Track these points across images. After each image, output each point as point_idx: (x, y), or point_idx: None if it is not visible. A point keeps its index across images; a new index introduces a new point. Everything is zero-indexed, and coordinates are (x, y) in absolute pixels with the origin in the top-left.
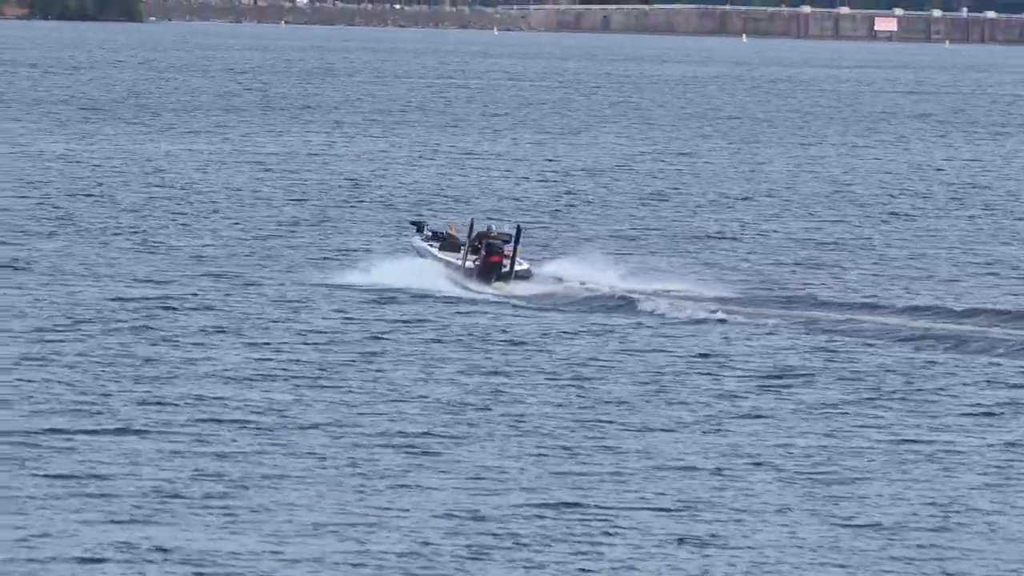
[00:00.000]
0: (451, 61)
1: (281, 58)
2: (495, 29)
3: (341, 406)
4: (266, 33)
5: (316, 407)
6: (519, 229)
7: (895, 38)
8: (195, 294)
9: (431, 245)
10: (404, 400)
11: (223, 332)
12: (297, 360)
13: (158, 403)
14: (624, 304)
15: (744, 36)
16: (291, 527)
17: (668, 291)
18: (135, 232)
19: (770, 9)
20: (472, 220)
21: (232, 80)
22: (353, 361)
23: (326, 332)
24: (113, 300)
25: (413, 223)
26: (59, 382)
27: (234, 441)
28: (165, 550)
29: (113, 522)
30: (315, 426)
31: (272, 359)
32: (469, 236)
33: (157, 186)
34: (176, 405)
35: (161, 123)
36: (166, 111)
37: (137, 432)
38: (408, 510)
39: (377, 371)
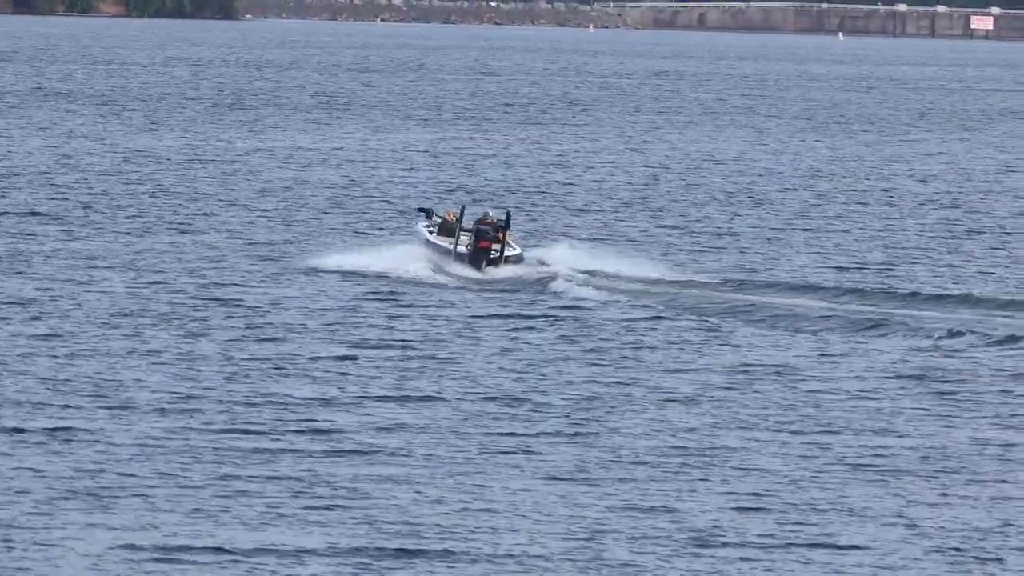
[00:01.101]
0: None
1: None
2: (591, 27)
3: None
4: (362, 30)
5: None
6: (508, 215)
7: (991, 36)
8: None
9: (430, 231)
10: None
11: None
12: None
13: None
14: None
15: (840, 34)
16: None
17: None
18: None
19: (867, 7)
20: (463, 206)
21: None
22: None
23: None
24: (173, 292)
25: (421, 209)
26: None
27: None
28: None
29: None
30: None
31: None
32: (459, 222)
33: (268, 179)
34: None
35: (279, 120)
36: (283, 108)
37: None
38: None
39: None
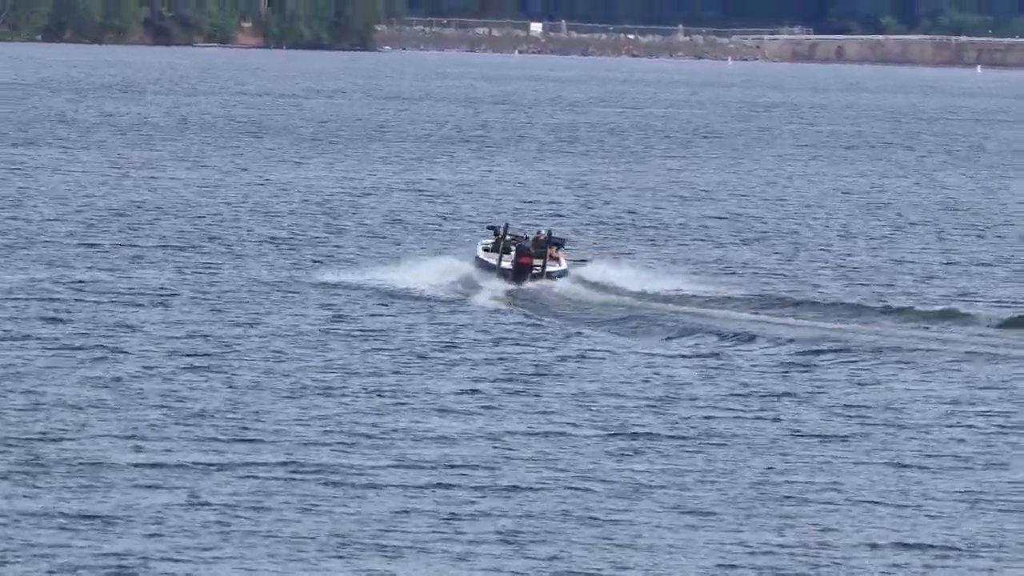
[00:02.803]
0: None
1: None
2: (729, 59)
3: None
4: (503, 62)
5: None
6: (549, 233)
7: None
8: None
9: (486, 249)
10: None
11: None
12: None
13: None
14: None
15: (979, 67)
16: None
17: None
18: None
19: (1007, 40)
20: (506, 223)
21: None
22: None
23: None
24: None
25: (491, 227)
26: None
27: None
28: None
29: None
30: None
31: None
32: (503, 239)
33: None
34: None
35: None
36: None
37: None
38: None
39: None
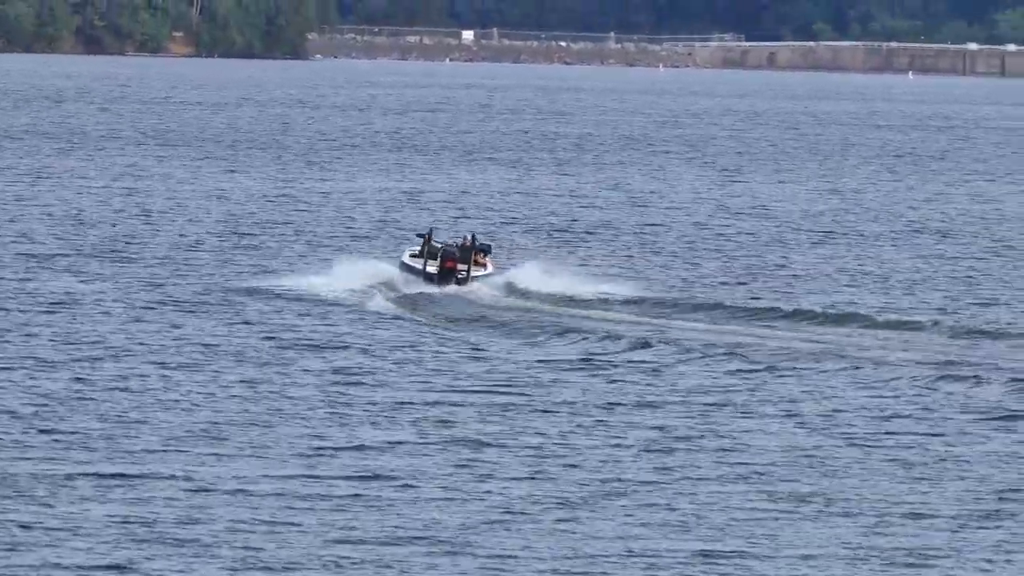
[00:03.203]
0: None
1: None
2: (660, 66)
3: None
4: (436, 70)
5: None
6: (474, 237)
7: None
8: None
9: (412, 254)
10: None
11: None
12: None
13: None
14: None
15: (910, 73)
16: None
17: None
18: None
19: (936, 46)
20: (431, 228)
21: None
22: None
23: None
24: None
25: (420, 235)
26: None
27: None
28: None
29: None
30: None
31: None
32: (426, 243)
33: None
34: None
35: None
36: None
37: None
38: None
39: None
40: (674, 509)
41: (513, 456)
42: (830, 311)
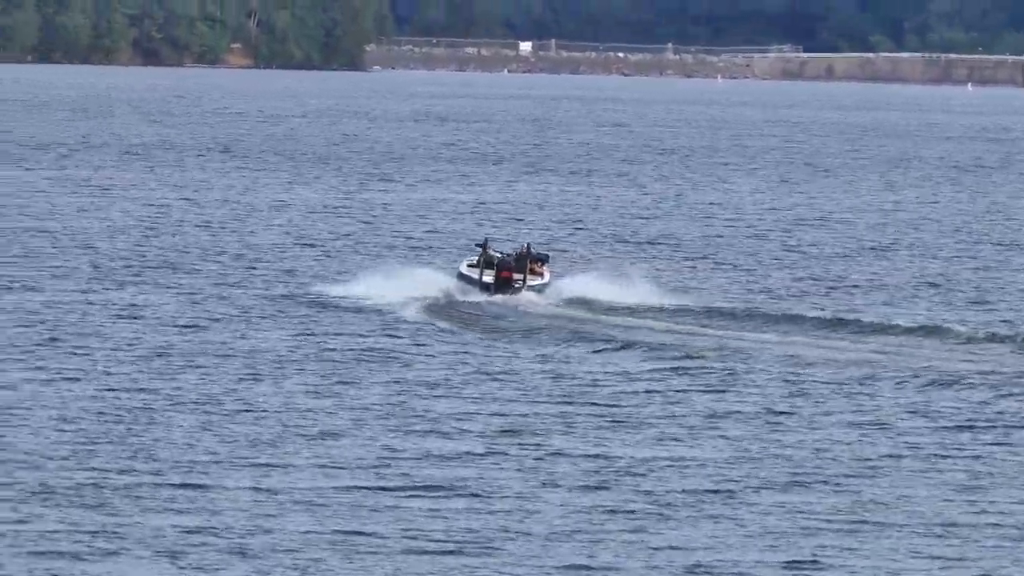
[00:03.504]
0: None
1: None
2: (719, 77)
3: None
4: (488, 80)
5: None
6: (529, 247)
7: None
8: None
9: (470, 265)
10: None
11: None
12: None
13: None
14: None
15: (969, 85)
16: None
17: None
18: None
19: (994, 58)
20: (486, 238)
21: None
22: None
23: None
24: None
25: (479, 244)
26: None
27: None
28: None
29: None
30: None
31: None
32: (483, 253)
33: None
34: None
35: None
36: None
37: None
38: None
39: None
40: (742, 521)
41: (577, 467)
42: (894, 323)
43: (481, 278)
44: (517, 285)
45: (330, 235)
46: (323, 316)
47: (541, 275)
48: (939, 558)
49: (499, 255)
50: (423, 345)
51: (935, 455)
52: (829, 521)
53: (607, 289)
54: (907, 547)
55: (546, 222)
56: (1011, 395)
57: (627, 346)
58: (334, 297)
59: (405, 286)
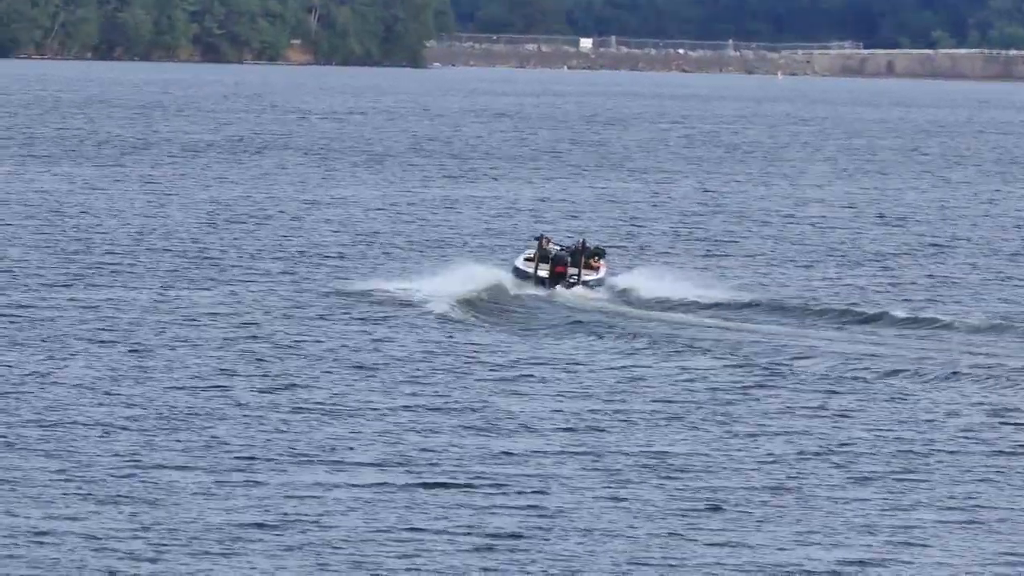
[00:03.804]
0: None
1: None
2: (779, 74)
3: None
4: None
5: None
6: (584, 242)
7: None
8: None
9: (527, 259)
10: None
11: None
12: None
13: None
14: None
15: None
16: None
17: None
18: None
19: None
20: (542, 233)
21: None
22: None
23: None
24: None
25: (537, 238)
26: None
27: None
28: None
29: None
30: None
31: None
32: (539, 247)
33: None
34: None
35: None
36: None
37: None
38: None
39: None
40: (795, 519)
41: (633, 463)
42: (942, 318)
43: (536, 272)
44: (572, 280)
45: (391, 232)
46: (378, 312)
47: (596, 269)
48: (996, 554)
49: (556, 248)
50: (465, 340)
51: (1000, 451)
52: (881, 519)
53: (660, 286)
54: (962, 545)
55: (610, 218)
56: None
57: (676, 342)
58: (390, 293)
59: (461, 281)
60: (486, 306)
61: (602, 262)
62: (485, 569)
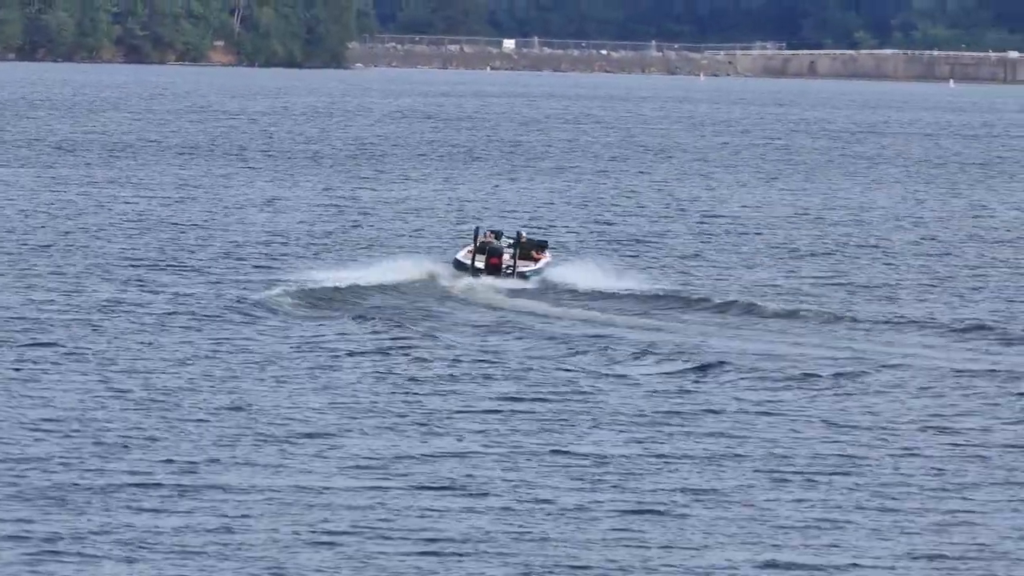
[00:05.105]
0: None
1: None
2: (701, 75)
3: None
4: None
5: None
6: (518, 235)
7: None
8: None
9: (468, 250)
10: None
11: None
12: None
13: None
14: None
15: (951, 81)
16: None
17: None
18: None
19: (977, 54)
20: (477, 227)
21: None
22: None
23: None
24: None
25: (475, 231)
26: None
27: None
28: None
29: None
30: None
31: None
32: (475, 241)
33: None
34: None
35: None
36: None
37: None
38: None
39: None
40: (732, 520)
41: (560, 465)
42: (867, 317)
43: (473, 263)
44: (508, 271)
45: (320, 231)
46: (309, 307)
47: (536, 261)
48: (930, 556)
49: (493, 242)
50: (393, 337)
51: (930, 454)
52: (807, 518)
53: (596, 278)
54: (896, 547)
55: (561, 217)
56: None
57: (606, 337)
58: (322, 286)
59: (394, 272)
60: (420, 295)
61: (545, 254)
62: (419, 568)
